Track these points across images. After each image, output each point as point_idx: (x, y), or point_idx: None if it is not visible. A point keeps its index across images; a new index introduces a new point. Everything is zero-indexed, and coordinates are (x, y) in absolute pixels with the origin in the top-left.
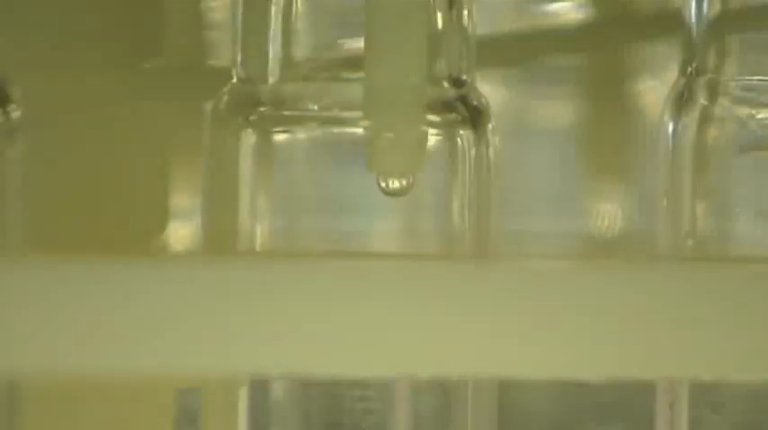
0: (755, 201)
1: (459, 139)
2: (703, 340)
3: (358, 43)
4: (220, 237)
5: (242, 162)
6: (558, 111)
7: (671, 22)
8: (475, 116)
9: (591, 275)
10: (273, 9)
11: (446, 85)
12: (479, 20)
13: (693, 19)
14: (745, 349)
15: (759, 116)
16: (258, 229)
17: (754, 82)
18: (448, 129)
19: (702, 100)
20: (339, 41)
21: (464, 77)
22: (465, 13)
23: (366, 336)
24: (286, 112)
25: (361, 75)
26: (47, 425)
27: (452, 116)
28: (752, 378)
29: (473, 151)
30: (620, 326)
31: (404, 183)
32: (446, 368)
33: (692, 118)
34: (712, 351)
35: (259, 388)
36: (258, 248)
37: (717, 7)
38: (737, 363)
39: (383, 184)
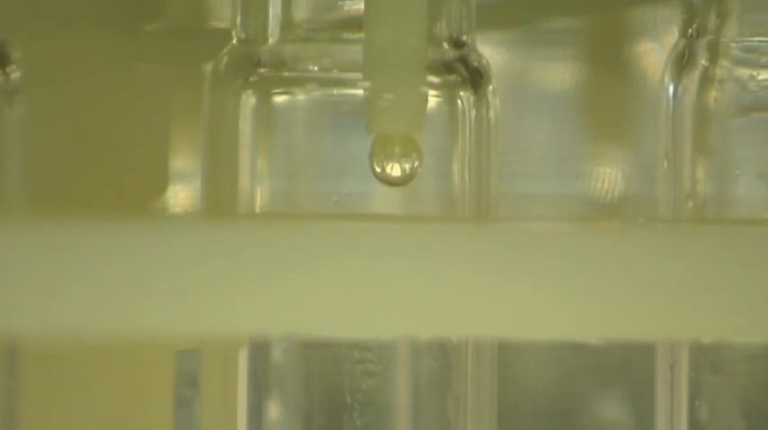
0: (756, 163)
1: (459, 101)
2: (703, 302)
3: (358, 4)
4: (220, 199)
5: (242, 124)
6: (557, 73)
7: None
8: (475, 77)
9: (591, 237)
10: None
11: (446, 46)
12: None
13: None
14: (745, 311)
15: (760, 77)
16: (258, 191)
17: (755, 43)
18: (448, 91)
19: (703, 61)
20: (339, 2)
21: (464, 38)
22: None
23: (366, 298)
24: (286, 74)
25: (361, 36)
26: (47, 388)
27: (452, 77)
28: (752, 339)
29: (473, 113)
30: (619, 288)
31: (406, 168)
32: (446, 329)
33: (692, 79)
34: (712, 313)
35: (259, 350)
36: (258, 210)
37: None
38: (737, 325)
39: (378, 170)
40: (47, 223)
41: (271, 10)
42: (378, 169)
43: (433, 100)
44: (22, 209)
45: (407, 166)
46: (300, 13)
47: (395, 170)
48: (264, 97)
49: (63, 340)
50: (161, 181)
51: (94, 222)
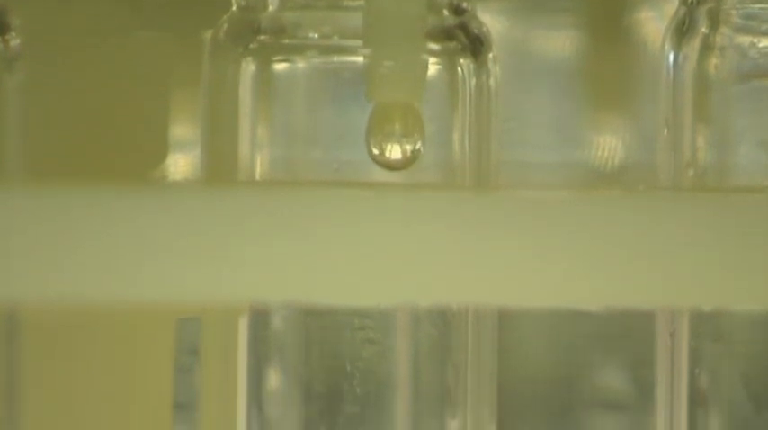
0: (756, 131)
1: (459, 68)
2: (704, 270)
3: None
4: (220, 167)
5: (241, 91)
6: (558, 41)
7: None
8: (475, 45)
9: (591, 205)
10: None
11: (446, 13)
12: None
13: None
14: (745, 279)
15: (760, 44)
16: (258, 159)
17: (756, 10)
18: (448, 58)
19: (703, 29)
20: None
21: (465, 5)
22: None
23: (366, 266)
24: (286, 41)
25: (361, 3)
26: (47, 356)
27: (453, 45)
28: (752, 307)
29: (473, 81)
30: (620, 256)
31: (407, 149)
32: (446, 297)
33: (692, 47)
34: (713, 280)
35: (259, 317)
36: (258, 178)
37: None
38: (738, 293)
39: (376, 152)
40: (47, 190)
41: None
42: (375, 151)
43: (433, 67)
44: (21, 176)
45: (408, 148)
46: None
47: (394, 152)
48: (264, 64)
49: (63, 308)
50: (161, 149)
51: (94, 189)
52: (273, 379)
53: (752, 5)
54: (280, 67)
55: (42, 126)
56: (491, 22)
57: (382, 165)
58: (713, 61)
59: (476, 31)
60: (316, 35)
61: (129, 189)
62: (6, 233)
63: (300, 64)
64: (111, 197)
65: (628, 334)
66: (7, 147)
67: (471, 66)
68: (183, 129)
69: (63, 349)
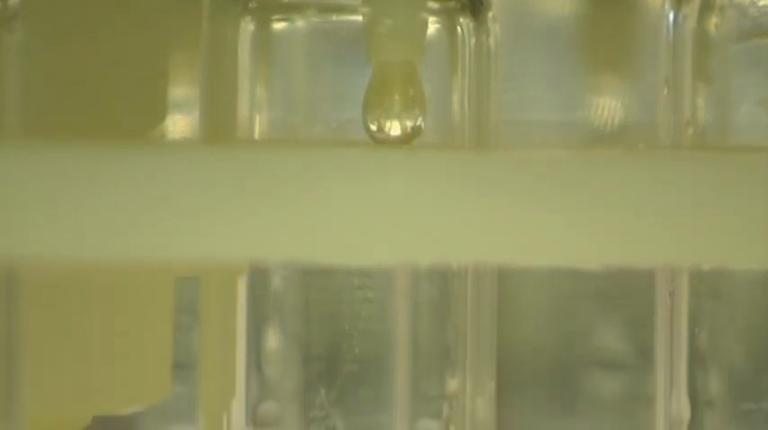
0: (756, 90)
1: (458, 28)
2: (703, 229)
3: None
4: (219, 127)
5: (240, 50)
6: (557, 0)
7: None
8: (475, 4)
9: (591, 164)
10: None
11: None
12: None
13: None
14: (744, 237)
15: (760, 3)
16: (257, 118)
17: None
18: (448, 17)
19: None
20: None
21: None
22: None
23: (365, 225)
24: (285, 0)
25: None
26: (47, 315)
27: (452, 3)
28: (751, 266)
29: (473, 40)
30: (620, 215)
31: (407, 125)
32: (446, 256)
33: (692, 6)
34: (712, 239)
35: (258, 277)
36: (257, 137)
37: None
38: (737, 252)
39: (374, 128)
40: (46, 148)
41: None
42: (373, 127)
43: (433, 26)
44: (21, 135)
45: (408, 124)
46: None
47: (394, 129)
48: (263, 24)
49: (63, 266)
50: (160, 109)
51: (94, 147)
52: (272, 338)
53: None
54: (279, 26)
55: (42, 85)
56: None
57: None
58: (713, 20)
59: None
60: None
61: (128, 147)
62: (6, 190)
63: (299, 23)
64: (111, 155)
65: (627, 293)
66: (7, 105)
67: (471, 25)
68: (183, 90)
69: (63, 308)
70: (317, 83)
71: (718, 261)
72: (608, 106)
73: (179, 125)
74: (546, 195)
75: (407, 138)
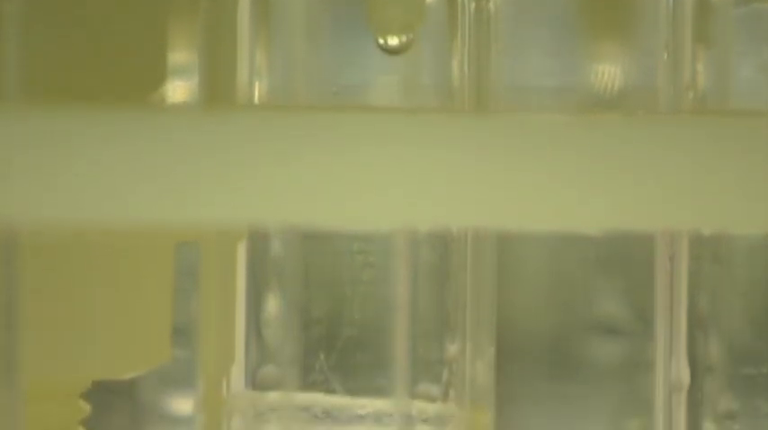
0: (756, 55)
1: None
2: (703, 193)
3: None
4: (219, 93)
5: (240, 13)
6: None
7: None
8: None
9: (591, 128)
10: None
11: None
12: None
13: None
14: (745, 202)
15: None
16: (256, 83)
17: None
18: None
19: None
20: None
21: None
22: None
23: (365, 189)
24: None
25: None
26: (46, 279)
27: None
28: (751, 231)
29: (473, 5)
30: (619, 179)
31: (403, 39)
32: (446, 221)
33: None
34: (712, 204)
35: (258, 242)
36: (257, 101)
37: None
38: (737, 216)
39: (381, 41)
40: (45, 112)
41: None
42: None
43: None
44: (20, 99)
45: (405, 38)
46: None
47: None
48: None
49: (62, 230)
50: (159, 74)
51: (93, 112)
52: (272, 303)
53: None
54: None
55: (41, 49)
56: None
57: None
58: None
59: None
60: None
61: (127, 111)
62: (5, 154)
63: None
64: (110, 119)
65: (627, 258)
66: (7, 69)
67: None
68: (182, 56)
69: (62, 273)
70: (317, 47)
71: (719, 225)
72: (607, 71)
73: (178, 91)
74: (545, 160)
75: (405, 47)
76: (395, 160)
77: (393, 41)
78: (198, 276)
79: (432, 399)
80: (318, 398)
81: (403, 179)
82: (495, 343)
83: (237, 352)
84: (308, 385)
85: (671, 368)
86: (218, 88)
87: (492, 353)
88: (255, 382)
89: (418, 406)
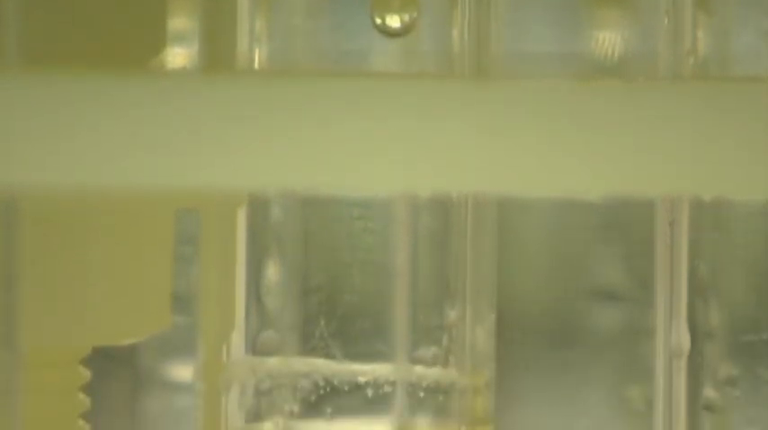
0: (757, 21)
1: None
2: (703, 159)
3: None
4: (219, 60)
5: None
6: None
7: None
8: None
9: (592, 94)
10: None
11: None
12: None
13: None
14: (745, 168)
15: None
16: (256, 49)
17: None
18: None
19: None
20: None
21: None
22: None
23: (365, 155)
24: None
25: None
26: (46, 245)
27: None
28: (752, 196)
29: None
30: (620, 145)
31: (405, 18)
32: (446, 186)
33: None
34: (712, 169)
35: (258, 208)
36: (257, 67)
37: None
38: (738, 182)
39: (378, 21)
40: (45, 77)
41: None
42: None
43: None
44: (20, 63)
45: (407, 16)
46: None
47: (394, 20)
48: None
49: (63, 196)
50: (158, 41)
51: (93, 77)
52: (272, 269)
53: None
54: None
55: (41, 15)
56: None
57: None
58: None
59: None
60: None
61: (127, 76)
62: (5, 120)
63: None
64: (110, 84)
65: (627, 224)
66: (7, 36)
67: None
68: (181, 22)
69: (63, 239)
70: (318, 14)
71: (719, 191)
72: (608, 38)
73: (178, 58)
74: (546, 126)
75: (406, 29)
76: (395, 126)
77: (393, 22)
78: (198, 243)
79: (432, 365)
80: (318, 365)
81: (403, 145)
82: (496, 309)
83: (237, 318)
84: (308, 351)
85: (671, 334)
86: (217, 55)
87: (492, 319)
88: (255, 349)
89: (418, 371)
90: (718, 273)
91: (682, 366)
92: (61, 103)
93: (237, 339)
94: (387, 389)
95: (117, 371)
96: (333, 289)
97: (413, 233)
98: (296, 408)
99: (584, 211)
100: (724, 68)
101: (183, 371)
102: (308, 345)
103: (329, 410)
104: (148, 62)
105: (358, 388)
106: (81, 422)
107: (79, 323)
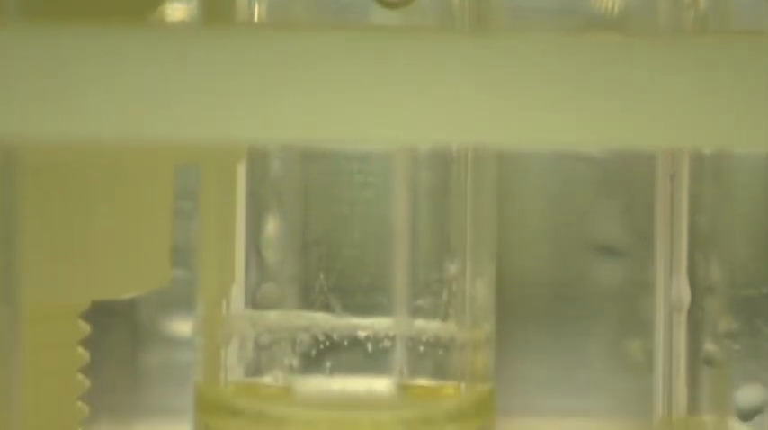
0: None
1: None
2: (704, 112)
3: None
4: (218, 15)
5: None
6: None
7: None
8: None
9: (592, 47)
10: None
11: None
12: None
13: None
14: (745, 121)
15: None
16: (256, 6)
17: None
18: None
19: None
20: None
21: None
22: None
23: (365, 108)
24: None
25: None
26: (46, 200)
27: None
28: (752, 149)
29: None
30: (620, 98)
31: None
32: (446, 139)
33: None
34: (713, 122)
35: (257, 163)
36: (257, 20)
37: None
38: (738, 135)
39: None
40: (45, 31)
41: None
42: None
43: None
44: (19, 18)
45: None
46: None
47: None
48: None
49: (63, 150)
50: None
51: (93, 30)
52: (272, 224)
53: None
54: None
55: None
56: None
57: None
58: None
59: None
60: None
61: (127, 29)
62: (4, 73)
63: None
64: (109, 37)
65: (627, 177)
66: None
67: None
68: None
69: (62, 193)
70: None
71: (720, 144)
72: None
73: (177, 13)
74: (546, 79)
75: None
76: (394, 79)
77: None
78: (198, 197)
79: (432, 319)
80: (318, 319)
81: (403, 98)
82: (496, 263)
83: (237, 272)
84: (307, 305)
85: (671, 288)
86: (217, 9)
87: (492, 272)
88: (255, 303)
89: (418, 326)
90: (719, 228)
91: (682, 320)
92: (61, 57)
93: (237, 293)
94: (386, 343)
95: (116, 325)
96: (332, 243)
97: (413, 187)
98: (295, 363)
99: (585, 165)
100: (724, 22)
101: (182, 325)
102: (308, 299)
103: (329, 365)
104: (147, 17)
105: (357, 342)
106: (80, 376)
107: (79, 277)
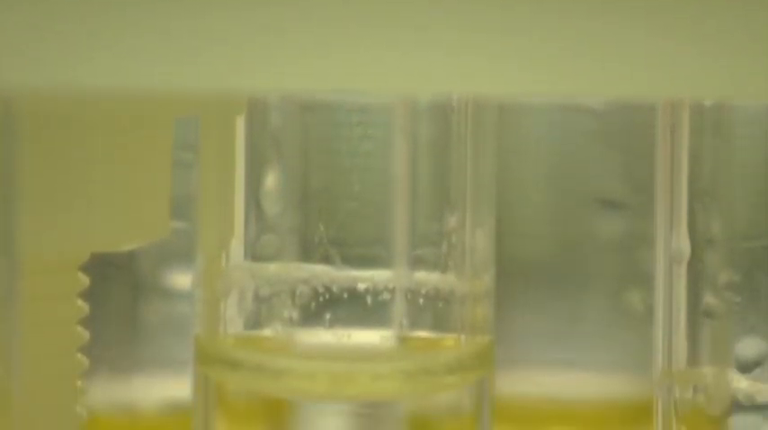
0: None
1: None
2: (704, 62)
3: None
4: None
5: None
6: None
7: None
8: None
9: None
10: None
11: None
12: None
13: None
14: (746, 72)
15: None
16: None
17: None
18: None
19: None
20: None
21: None
22: None
23: (364, 59)
24: None
25: None
26: (45, 152)
27: None
28: (753, 100)
29: None
30: (620, 49)
31: None
32: (446, 88)
33: None
34: (713, 73)
35: (257, 115)
36: None
37: None
38: (739, 86)
39: None
40: None
41: None
42: None
43: None
44: None
45: None
46: None
47: None
48: None
49: (61, 100)
50: None
51: None
52: (271, 176)
53: None
54: None
55: None
56: None
57: None
58: None
59: None
60: None
61: None
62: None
63: None
64: None
65: (627, 129)
66: None
67: None
68: None
69: (61, 144)
70: None
71: (720, 95)
72: None
73: None
74: (546, 29)
75: None
76: (394, 30)
77: None
78: (197, 149)
79: (431, 271)
80: (317, 271)
81: (402, 49)
82: (495, 215)
83: (237, 224)
84: (307, 258)
85: (671, 240)
86: None
87: (492, 223)
88: (255, 255)
89: (418, 278)
90: (719, 179)
91: (682, 272)
92: (58, 6)
93: (236, 245)
94: (386, 295)
95: (116, 277)
96: (332, 195)
97: (413, 139)
98: (295, 315)
99: (585, 117)
100: None
101: (181, 278)
102: (308, 252)
103: (328, 317)
104: None
105: (357, 294)
106: (79, 328)
107: (78, 229)
